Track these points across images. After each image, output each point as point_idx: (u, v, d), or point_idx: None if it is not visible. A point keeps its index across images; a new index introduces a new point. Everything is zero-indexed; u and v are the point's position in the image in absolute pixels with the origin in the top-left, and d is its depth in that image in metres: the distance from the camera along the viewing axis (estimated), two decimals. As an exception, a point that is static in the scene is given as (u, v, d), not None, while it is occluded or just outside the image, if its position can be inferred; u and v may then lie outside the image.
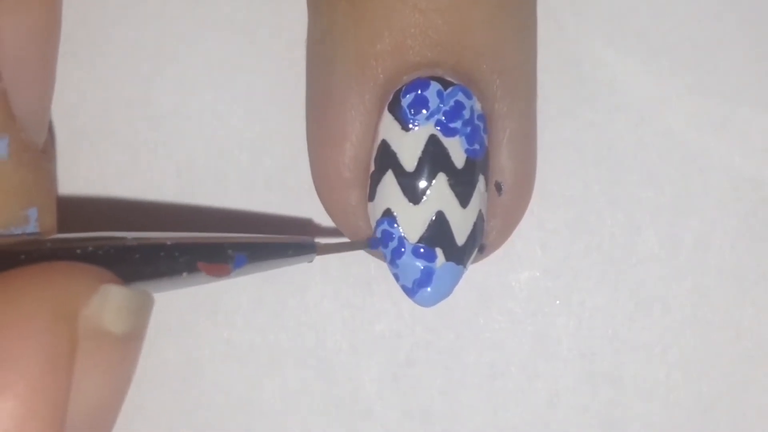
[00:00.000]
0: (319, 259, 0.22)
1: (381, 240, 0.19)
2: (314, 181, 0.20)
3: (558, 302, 0.22)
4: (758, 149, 0.22)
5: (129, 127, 0.22)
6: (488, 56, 0.19)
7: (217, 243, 0.17)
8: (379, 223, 0.19)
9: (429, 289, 0.19)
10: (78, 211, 0.22)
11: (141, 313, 0.15)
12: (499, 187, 0.19)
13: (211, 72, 0.22)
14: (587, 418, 0.22)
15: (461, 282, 0.22)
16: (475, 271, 0.22)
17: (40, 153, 0.18)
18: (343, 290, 0.22)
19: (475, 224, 0.19)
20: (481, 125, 0.19)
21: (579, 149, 0.22)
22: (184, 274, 0.17)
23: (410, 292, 0.19)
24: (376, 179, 0.19)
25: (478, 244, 0.19)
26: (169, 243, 0.16)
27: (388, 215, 0.19)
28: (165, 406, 0.22)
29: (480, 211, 0.19)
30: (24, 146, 0.18)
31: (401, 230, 0.19)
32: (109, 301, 0.15)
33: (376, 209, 0.19)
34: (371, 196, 0.19)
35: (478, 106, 0.19)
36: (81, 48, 0.22)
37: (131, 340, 0.15)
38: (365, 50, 0.19)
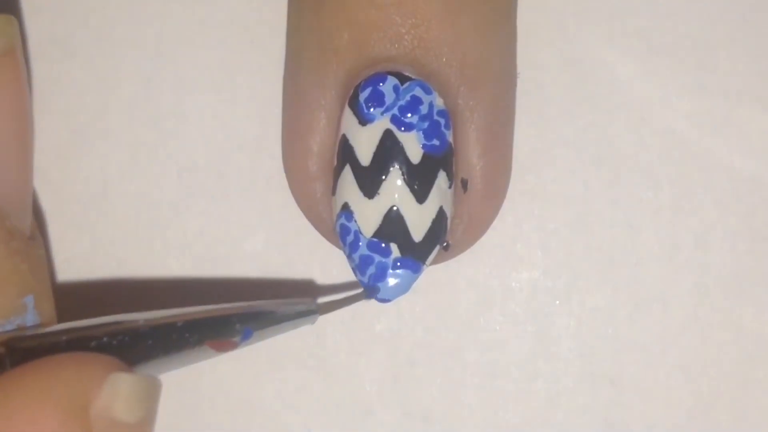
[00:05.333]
0: (318, 259, 0.22)
1: (340, 234, 0.19)
2: (285, 173, 0.20)
3: (558, 302, 0.22)
4: (758, 149, 0.22)
5: (129, 127, 0.22)
6: (447, 50, 0.19)
7: (224, 315, 0.17)
8: (337, 217, 0.19)
9: (384, 284, 0.19)
10: (79, 221, 0.22)
11: (150, 398, 0.15)
12: (464, 184, 0.19)
13: (211, 72, 0.22)
14: (587, 418, 0.22)
15: (461, 282, 0.22)
16: (476, 271, 0.22)
17: (28, 240, 0.18)
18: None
19: (434, 221, 0.19)
20: (442, 121, 0.19)
21: (579, 149, 0.22)
22: (192, 351, 0.17)
23: (366, 286, 0.19)
24: (337, 173, 0.19)
25: (439, 241, 0.19)
26: (179, 324, 0.16)
27: (346, 209, 0.19)
28: (165, 407, 0.22)
29: (441, 207, 0.19)
30: (10, 234, 0.17)
31: (357, 224, 0.19)
32: (119, 391, 0.15)
33: (336, 203, 0.19)
34: (333, 190, 0.19)
35: (439, 102, 0.19)
36: (81, 48, 0.22)
37: (142, 425, 0.15)
38: (326, 46, 0.19)
